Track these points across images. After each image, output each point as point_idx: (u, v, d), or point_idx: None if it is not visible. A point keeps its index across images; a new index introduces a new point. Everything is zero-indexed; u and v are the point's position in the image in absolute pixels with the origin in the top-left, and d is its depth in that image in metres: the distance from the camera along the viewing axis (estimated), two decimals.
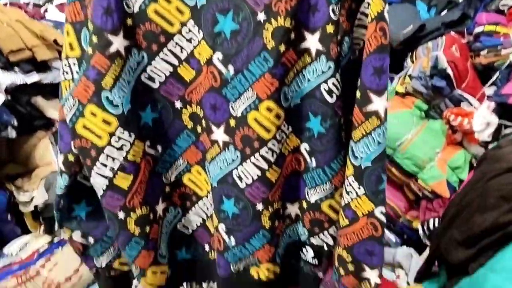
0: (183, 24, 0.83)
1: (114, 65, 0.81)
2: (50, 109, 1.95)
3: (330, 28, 0.78)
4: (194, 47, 0.85)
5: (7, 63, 1.84)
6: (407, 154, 1.88)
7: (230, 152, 0.88)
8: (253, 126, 0.85)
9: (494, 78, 1.88)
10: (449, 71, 1.87)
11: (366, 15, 0.79)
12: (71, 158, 0.91)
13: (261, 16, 0.78)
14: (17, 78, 1.84)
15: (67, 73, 0.87)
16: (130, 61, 0.85)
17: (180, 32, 0.84)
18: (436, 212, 1.80)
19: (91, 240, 1.02)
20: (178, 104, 0.91)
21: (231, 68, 0.82)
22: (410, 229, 1.94)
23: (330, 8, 0.77)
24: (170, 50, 0.86)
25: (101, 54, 0.80)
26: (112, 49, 0.80)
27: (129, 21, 0.82)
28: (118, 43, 0.81)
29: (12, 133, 1.83)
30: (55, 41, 1.94)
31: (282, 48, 0.79)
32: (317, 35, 0.80)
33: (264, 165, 0.87)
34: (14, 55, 1.84)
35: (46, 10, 2.64)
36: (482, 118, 1.75)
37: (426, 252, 1.60)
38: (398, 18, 2.16)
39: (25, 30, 1.91)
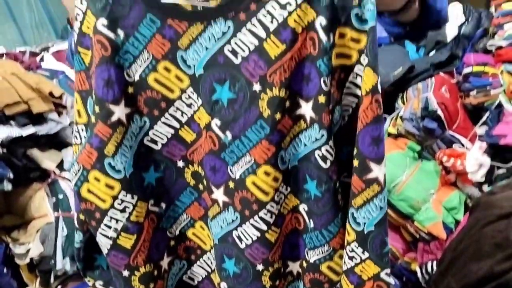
0: (183, 91, 0.86)
1: (116, 133, 0.84)
2: (46, 160, 1.96)
3: (322, 99, 0.80)
4: (194, 112, 0.87)
5: (2, 117, 1.86)
6: (402, 196, 1.88)
7: (230, 213, 0.90)
8: (252, 189, 0.86)
9: (484, 118, 1.90)
10: (440, 112, 1.89)
11: (355, 84, 0.82)
12: (82, 217, 0.96)
13: (257, 87, 0.80)
14: (13, 131, 1.85)
15: (76, 137, 0.91)
16: (132, 127, 0.87)
17: (180, 98, 0.86)
18: (433, 254, 1.79)
19: None
20: (180, 164, 0.93)
21: (228, 134, 0.84)
22: (409, 271, 1.93)
23: (322, 80, 0.79)
24: (171, 115, 0.88)
25: (103, 123, 0.83)
26: (114, 118, 0.83)
27: (130, 89, 0.85)
28: (119, 112, 0.84)
29: (8, 186, 1.83)
30: (50, 93, 1.96)
31: (278, 116, 0.81)
32: (310, 103, 0.82)
33: (263, 227, 0.88)
34: (9, 109, 1.85)
35: (42, 59, 2.68)
36: (474, 159, 1.76)
37: None
38: (388, 59, 2.19)
39: (20, 83, 1.94)
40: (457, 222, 1.84)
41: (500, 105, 1.88)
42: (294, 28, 0.76)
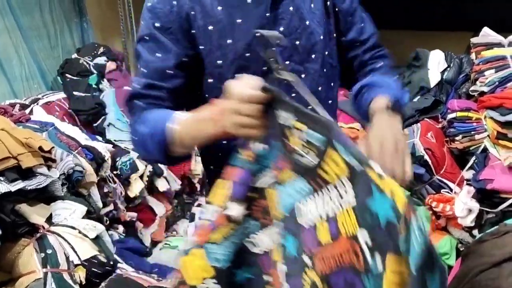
0: (275, 217, 0.91)
1: (226, 227, 0.92)
2: (34, 215, 1.93)
3: None
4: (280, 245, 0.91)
5: None
6: None
7: None
8: None
9: (471, 162, 1.93)
10: (427, 157, 1.92)
11: None
12: None
13: (306, 258, 0.83)
14: (2, 187, 1.84)
15: (203, 213, 1.00)
16: (244, 226, 0.94)
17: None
18: None
19: None
20: (265, 277, 0.96)
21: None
22: None
23: None
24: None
25: (221, 214, 0.92)
26: (230, 212, 0.91)
27: (255, 195, 0.92)
28: (236, 209, 0.91)
29: None
30: (40, 147, 1.97)
31: None
32: None
33: None
34: None
35: (31, 111, 2.69)
36: (463, 204, 1.78)
37: None
38: None
39: (10, 139, 1.94)
40: (449, 268, 1.83)
41: (485, 150, 1.91)
42: (339, 228, 0.75)
